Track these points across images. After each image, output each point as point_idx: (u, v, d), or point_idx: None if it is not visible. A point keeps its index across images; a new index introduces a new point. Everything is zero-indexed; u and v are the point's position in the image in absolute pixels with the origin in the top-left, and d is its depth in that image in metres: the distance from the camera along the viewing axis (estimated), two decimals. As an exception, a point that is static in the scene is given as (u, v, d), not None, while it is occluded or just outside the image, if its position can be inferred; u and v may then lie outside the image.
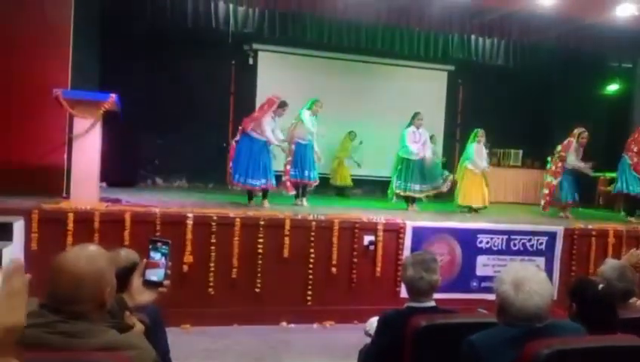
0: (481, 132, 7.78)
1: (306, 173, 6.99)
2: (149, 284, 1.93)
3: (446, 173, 7.57)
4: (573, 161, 7.54)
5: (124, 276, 1.98)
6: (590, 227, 6.54)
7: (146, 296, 1.94)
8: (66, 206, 5.16)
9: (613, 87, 10.23)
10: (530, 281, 2.00)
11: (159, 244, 1.94)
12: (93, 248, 1.71)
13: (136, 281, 1.94)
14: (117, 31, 8.09)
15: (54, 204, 5.19)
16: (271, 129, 6.50)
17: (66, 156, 6.01)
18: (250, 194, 6.62)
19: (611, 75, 10.19)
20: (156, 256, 1.94)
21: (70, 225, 4.97)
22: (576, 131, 7.60)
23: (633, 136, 7.60)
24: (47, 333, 1.51)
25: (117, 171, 7.95)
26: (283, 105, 6.62)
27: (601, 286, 2.46)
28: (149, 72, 8.73)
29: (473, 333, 2.08)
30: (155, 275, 1.93)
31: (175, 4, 7.65)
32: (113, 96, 5.36)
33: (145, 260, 1.97)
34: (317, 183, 7.24)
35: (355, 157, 9.60)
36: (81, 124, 5.33)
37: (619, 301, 2.61)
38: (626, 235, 6.53)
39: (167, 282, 1.94)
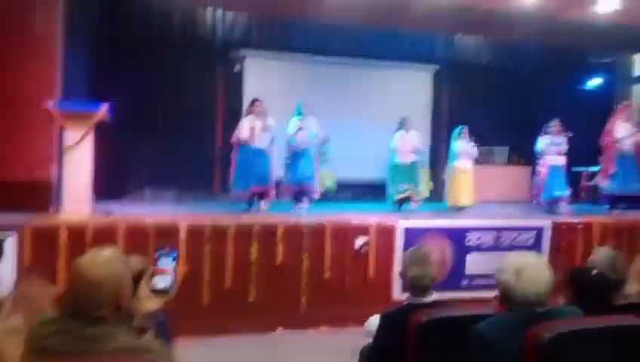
0: (461, 128, 7.89)
1: (303, 178, 7.04)
2: (156, 292, 1.96)
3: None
4: (541, 147, 7.74)
5: (134, 283, 2.00)
6: (576, 221, 6.69)
7: (154, 303, 1.98)
8: (58, 219, 5.14)
9: (594, 82, 10.42)
10: (531, 268, 2.07)
11: (167, 252, 1.99)
12: (109, 252, 1.74)
13: (143, 288, 1.97)
14: (104, 39, 8.04)
15: (46, 218, 5.16)
16: (249, 127, 6.59)
17: (57, 168, 5.97)
18: (249, 201, 6.73)
19: (593, 70, 10.40)
20: (165, 264, 1.99)
21: (63, 239, 4.95)
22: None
23: None
24: (68, 339, 1.53)
25: (105, 182, 7.86)
26: (251, 103, 6.81)
27: (594, 271, 2.55)
28: (136, 80, 8.66)
29: (475, 324, 2.14)
30: (163, 282, 1.97)
31: (162, 12, 7.65)
32: (105, 107, 5.35)
33: (152, 267, 1.99)
34: (317, 189, 7.25)
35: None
36: (72, 135, 5.31)
37: (613, 290, 2.69)
38: (610, 228, 6.68)
39: (175, 288, 1.97)
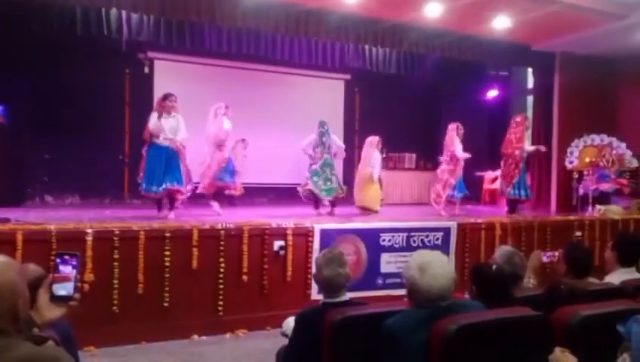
0: (371, 139, 8.14)
1: (226, 179, 7.04)
2: (57, 299, 1.87)
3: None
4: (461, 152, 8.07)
5: (32, 292, 1.90)
6: (480, 221, 7.13)
7: (55, 312, 1.88)
8: (-54, 228, 4.71)
9: (492, 93, 11.18)
10: (434, 264, 2.20)
11: (67, 257, 1.90)
12: (1, 259, 1.62)
13: (42, 297, 1.87)
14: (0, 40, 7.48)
15: None
16: (153, 124, 6.30)
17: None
18: (159, 204, 6.52)
19: (491, 81, 11.15)
20: (66, 270, 1.89)
21: (-48, 249, 4.54)
22: (453, 125, 8.19)
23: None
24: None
25: (2, 188, 7.35)
26: (164, 97, 6.50)
27: (494, 267, 2.75)
28: (36, 82, 8.14)
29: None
30: (64, 289, 1.88)
31: (64, 12, 7.22)
32: (-2, 108, 4.98)
33: (51, 275, 1.90)
34: (241, 190, 7.30)
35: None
36: (-40, 138, 4.90)
37: (511, 284, 2.91)
38: (509, 227, 7.19)
39: (77, 295, 1.89)
